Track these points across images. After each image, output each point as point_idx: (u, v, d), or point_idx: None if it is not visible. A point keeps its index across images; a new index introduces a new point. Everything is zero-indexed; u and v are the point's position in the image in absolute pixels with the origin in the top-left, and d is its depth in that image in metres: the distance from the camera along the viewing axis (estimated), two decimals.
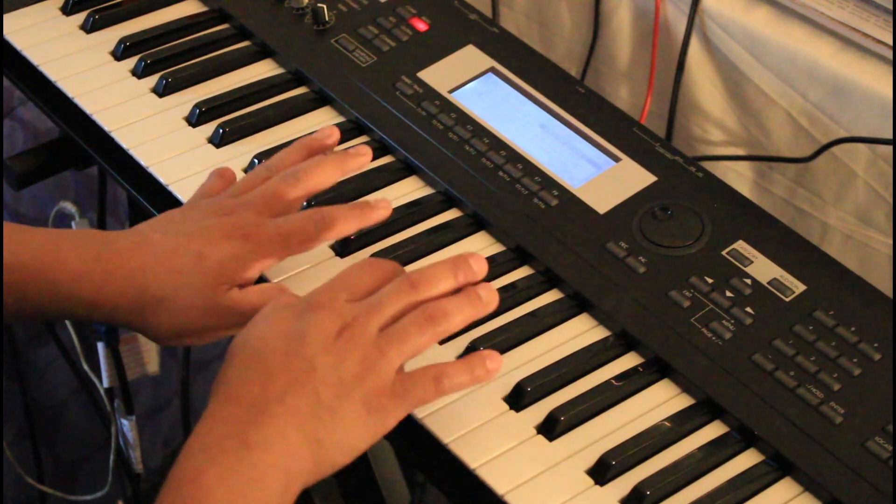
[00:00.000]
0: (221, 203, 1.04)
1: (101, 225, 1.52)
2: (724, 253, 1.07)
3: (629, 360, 1.02)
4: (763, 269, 1.06)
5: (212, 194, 1.07)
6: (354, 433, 0.90)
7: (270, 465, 0.87)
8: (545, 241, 1.08)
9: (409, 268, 1.06)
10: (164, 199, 1.13)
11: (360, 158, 1.09)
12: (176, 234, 1.02)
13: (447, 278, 0.95)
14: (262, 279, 1.05)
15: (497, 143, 1.15)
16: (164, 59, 1.24)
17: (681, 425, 0.97)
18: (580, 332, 1.04)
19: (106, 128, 1.18)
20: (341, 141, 1.17)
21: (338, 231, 1.03)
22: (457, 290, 0.96)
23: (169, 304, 1.00)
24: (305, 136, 1.11)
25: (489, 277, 1.05)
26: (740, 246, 1.07)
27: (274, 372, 0.90)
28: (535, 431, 0.97)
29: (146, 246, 1.02)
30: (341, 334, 0.91)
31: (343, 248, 1.08)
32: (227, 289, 1.00)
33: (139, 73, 1.23)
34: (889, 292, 1.07)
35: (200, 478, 0.86)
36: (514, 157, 1.14)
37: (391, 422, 0.91)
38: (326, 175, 1.06)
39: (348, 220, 1.04)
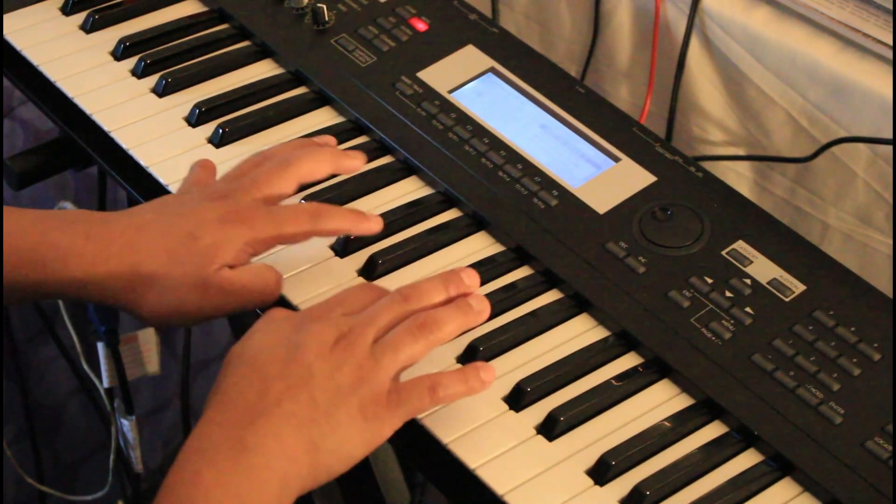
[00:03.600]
0: (216, 188, 1.05)
1: None
2: (723, 253, 1.07)
3: (629, 360, 1.02)
4: (763, 269, 1.06)
5: (201, 184, 1.07)
6: (351, 440, 0.91)
7: (267, 467, 0.87)
8: (545, 241, 1.08)
9: (410, 267, 1.06)
10: None
11: (354, 161, 1.10)
12: (170, 215, 1.02)
13: (438, 291, 0.97)
14: None
15: (497, 143, 1.15)
16: (164, 59, 1.24)
17: (681, 425, 0.97)
18: (580, 332, 1.04)
19: (106, 128, 1.18)
20: (341, 141, 1.18)
21: (331, 228, 1.04)
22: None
23: (160, 282, 1.00)
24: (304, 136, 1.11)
25: (490, 278, 1.06)
26: (740, 246, 1.07)
27: (271, 378, 0.90)
28: (534, 431, 0.97)
29: (139, 225, 1.02)
30: (337, 344, 0.93)
31: (343, 247, 1.08)
32: (218, 268, 1.00)
33: (139, 73, 1.23)
34: (889, 292, 1.07)
35: (197, 479, 0.86)
36: (514, 157, 1.14)
37: (387, 430, 0.92)
38: (318, 164, 1.07)
39: (342, 220, 1.05)
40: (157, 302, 1.01)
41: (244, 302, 1.01)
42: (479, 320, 0.97)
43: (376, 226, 1.06)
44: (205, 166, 1.09)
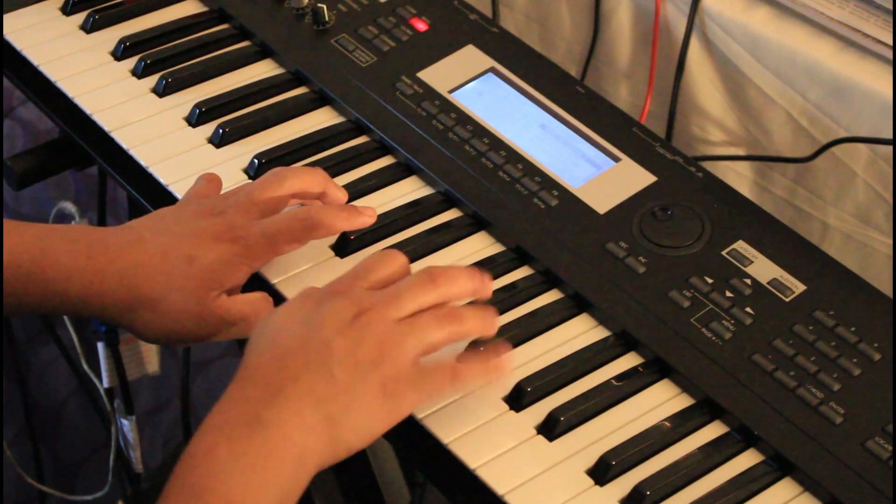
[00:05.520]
0: (212, 204, 1.05)
1: (101, 225, 1.52)
2: (724, 253, 1.07)
3: (629, 360, 1.02)
4: (763, 269, 1.06)
5: (202, 197, 1.07)
6: (369, 416, 0.91)
7: (284, 441, 0.88)
8: (545, 241, 1.08)
9: (411, 268, 1.06)
10: (164, 200, 1.13)
11: (341, 194, 1.09)
12: (167, 235, 1.03)
13: (465, 281, 0.97)
14: (256, 282, 1.05)
15: (497, 143, 1.15)
16: (164, 59, 1.24)
17: (681, 425, 0.97)
18: (580, 332, 1.04)
19: (106, 128, 1.18)
20: (341, 140, 1.18)
21: (324, 231, 1.05)
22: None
23: (159, 305, 1.01)
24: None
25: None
26: (740, 246, 1.07)
27: (291, 354, 0.91)
28: (535, 431, 0.97)
29: (138, 245, 1.02)
30: (358, 318, 0.92)
31: (343, 248, 1.08)
32: (217, 294, 1.01)
33: (139, 73, 1.23)
34: (889, 292, 1.07)
35: (213, 452, 0.87)
36: (514, 157, 1.14)
37: (406, 408, 0.93)
38: (311, 179, 1.07)
39: (335, 221, 1.05)
40: (156, 324, 1.02)
41: (240, 331, 1.02)
42: (491, 333, 0.98)
43: (370, 219, 1.07)
44: (210, 180, 1.10)
